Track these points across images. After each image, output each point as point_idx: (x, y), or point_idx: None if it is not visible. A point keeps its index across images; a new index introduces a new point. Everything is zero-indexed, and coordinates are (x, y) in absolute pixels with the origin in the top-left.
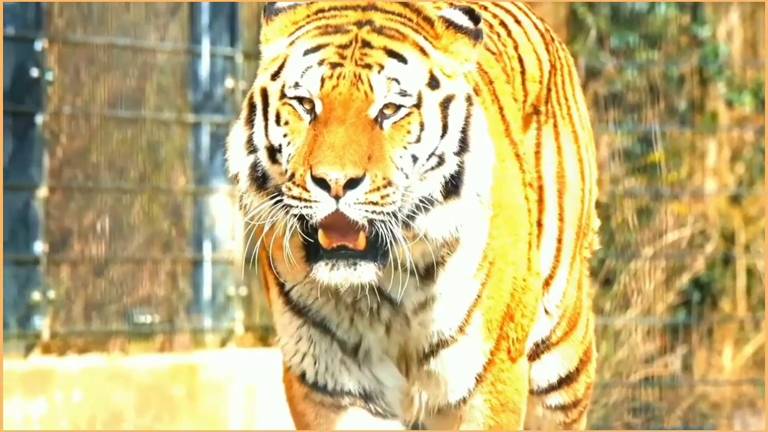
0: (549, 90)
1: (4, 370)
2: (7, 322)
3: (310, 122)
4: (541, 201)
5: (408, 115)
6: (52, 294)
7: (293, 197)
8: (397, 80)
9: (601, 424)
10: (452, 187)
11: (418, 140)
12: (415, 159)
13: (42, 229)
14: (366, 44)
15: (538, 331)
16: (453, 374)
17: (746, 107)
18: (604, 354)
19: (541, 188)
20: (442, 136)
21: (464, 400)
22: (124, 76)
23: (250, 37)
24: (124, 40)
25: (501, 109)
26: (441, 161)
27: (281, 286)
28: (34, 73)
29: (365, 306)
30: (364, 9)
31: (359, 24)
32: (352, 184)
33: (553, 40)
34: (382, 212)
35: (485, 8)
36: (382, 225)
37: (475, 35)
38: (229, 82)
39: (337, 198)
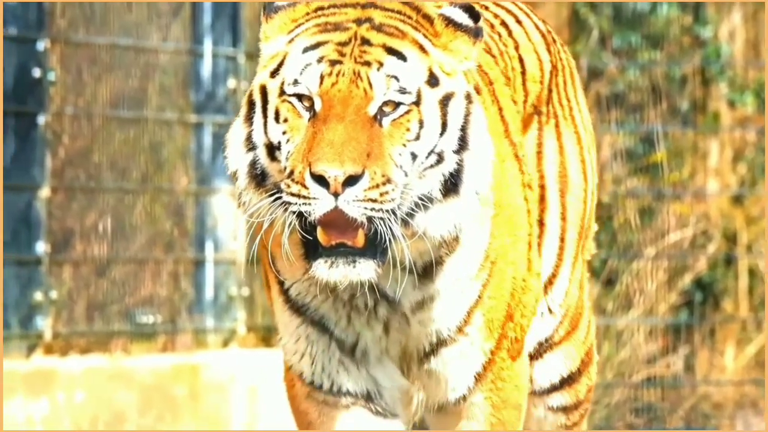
0: (550, 91)
1: (6, 371)
2: (9, 322)
3: (309, 119)
4: (543, 200)
5: (407, 112)
6: (54, 294)
7: (292, 194)
8: (396, 77)
9: (604, 425)
10: (451, 185)
11: (418, 138)
12: (414, 157)
13: (44, 229)
14: (365, 42)
15: (541, 330)
16: (453, 373)
17: (748, 107)
18: (606, 354)
19: (543, 188)
20: (442, 134)
21: (464, 398)
22: (127, 76)
23: (252, 37)
24: (126, 40)
25: (501, 110)
26: (440, 159)
27: (281, 284)
28: (37, 73)
29: (362, 303)
30: (364, 6)
31: (358, 21)
32: (351, 181)
33: (554, 41)
34: (381, 210)
35: (486, 8)
36: (381, 222)
37: (475, 33)
38: (231, 83)
39: (336, 195)
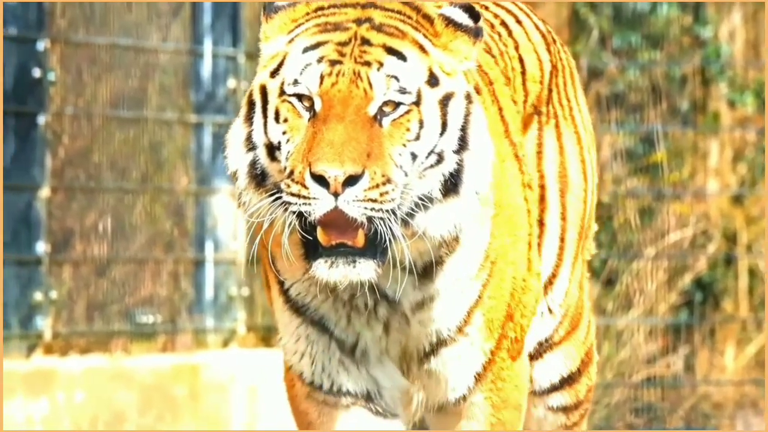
0: (550, 91)
1: (6, 371)
2: (9, 322)
3: (309, 119)
4: (543, 200)
5: (407, 112)
6: (54, 294)
7: (292, 194)
8: (396, 77)
9: (604, 424)
10: (451, 185)
11: (418, 138)
12: (414, 157)
13: (44, 229)
14: (365, 42)
15: (541, 330)
16: (453, 373)
17: (748, 108)
18: (606, 354)
19: (543, 188)
20: (442, 134)
21: (464, 398)
22: (126, 76)
23: (252, 37)
24: (126, 40)
25: (501, 110)
26: (440, 159)
27: (281, 284)
28: (37, 73)
29: (362, 303)
30: (364, 6)
31: (358, 21)
32: (351, 181)
33: (554, 41)
34: (381, 210)
35: (486, 8)
36: (381, 222)
37: (475, 33)
38: (231, 83)
39: (336, 195)
